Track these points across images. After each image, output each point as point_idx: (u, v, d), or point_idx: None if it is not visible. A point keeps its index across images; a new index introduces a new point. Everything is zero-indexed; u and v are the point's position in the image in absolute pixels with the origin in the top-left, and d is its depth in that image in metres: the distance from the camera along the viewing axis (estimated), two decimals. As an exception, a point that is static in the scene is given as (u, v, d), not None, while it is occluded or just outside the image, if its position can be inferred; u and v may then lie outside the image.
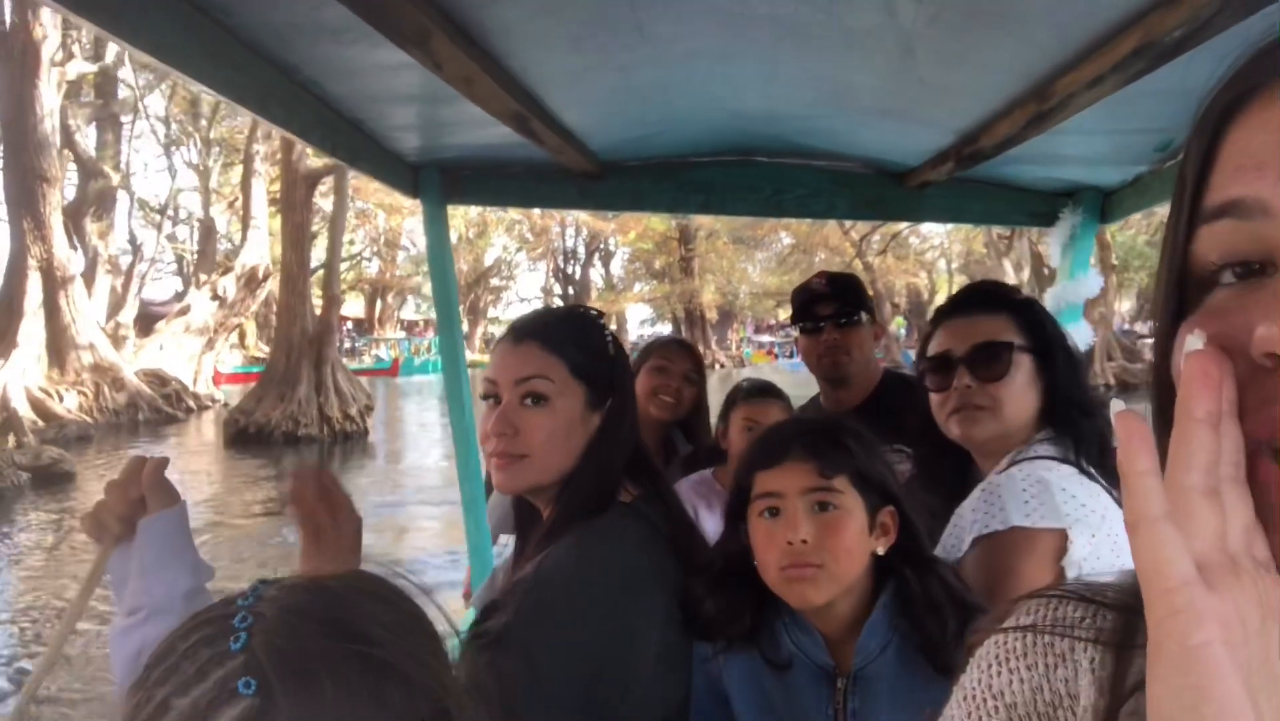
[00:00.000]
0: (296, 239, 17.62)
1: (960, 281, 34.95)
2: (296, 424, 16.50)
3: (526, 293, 57.14)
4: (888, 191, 2.32)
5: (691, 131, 2.11)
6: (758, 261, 49.26)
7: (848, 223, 33.22)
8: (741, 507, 1.22)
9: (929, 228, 36.78)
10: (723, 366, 42.63)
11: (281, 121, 1.61)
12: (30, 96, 18.05)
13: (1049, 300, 2.32)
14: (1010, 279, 23.16)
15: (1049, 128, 1.50)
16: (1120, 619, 0.49)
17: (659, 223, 40.62)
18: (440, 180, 2.32)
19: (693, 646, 1.25)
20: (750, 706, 1.22)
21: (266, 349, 35.68)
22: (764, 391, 2.17)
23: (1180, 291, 0.42)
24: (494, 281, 50.42)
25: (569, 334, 1.27)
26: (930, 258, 45.98)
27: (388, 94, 1.72)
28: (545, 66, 1.54)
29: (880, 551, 1.17)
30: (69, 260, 19.07)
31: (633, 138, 2.13)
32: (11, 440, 13.10)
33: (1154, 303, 0.45)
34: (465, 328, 44.03)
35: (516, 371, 1.24)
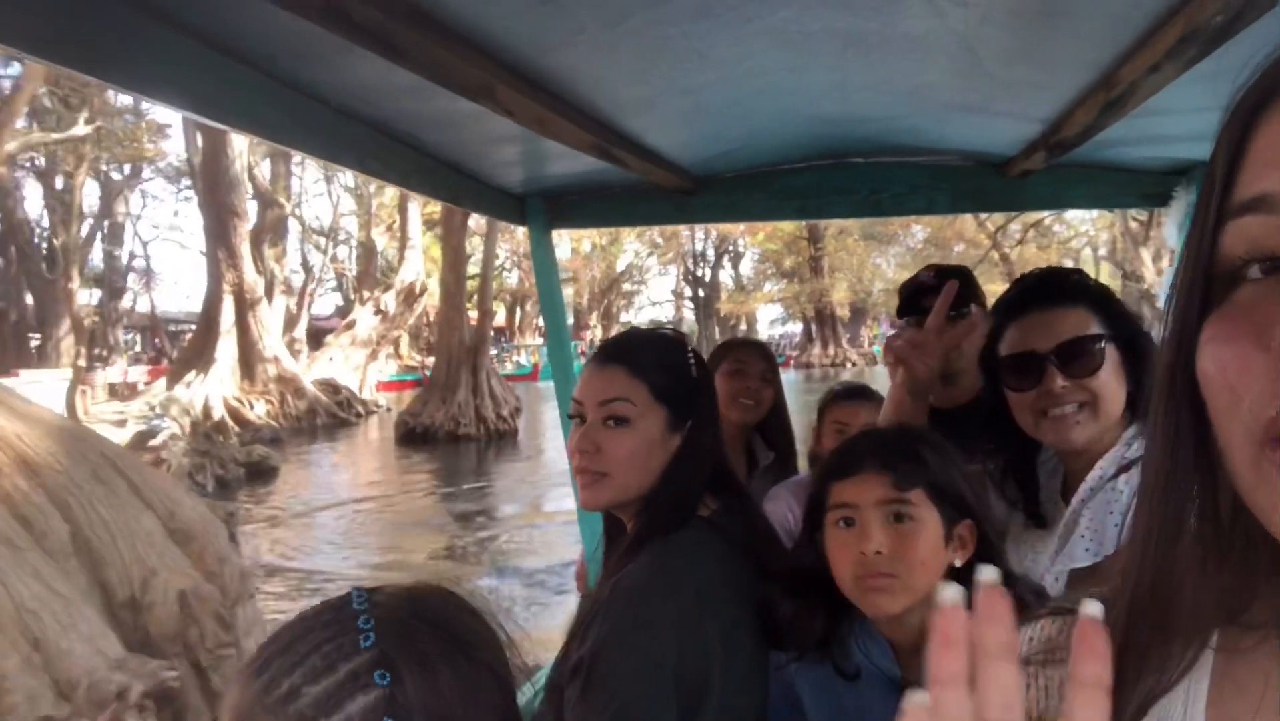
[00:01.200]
0: (455, 260, 19.50)
1: (1108, 269, 33.77)
2: (457, 424, 18.32)
3: (657, 296, 58.45)
4: (989, 182, 2.31)
5: (779, 141, 2.15)
6: (891, 257, 48.77)
7: (983, 214, 32.74)
8: (818, 517, 1.22)
9: (1074, 214, 35.63)
10: (854, 365, 42.57)
11: (379, 173, 1.73)
12: (223, 141, 20.71)
13: (1167, 281, 2.40)
14: (1148, 268, 22.52)
15: (1125, 114, 1.49)
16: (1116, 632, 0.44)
17: (788, 223, 41.08)
18: (544, 207, 2.43)
19: (769, 655, 1.27)
20: (822, 714, 1.25)
21: (418, 358, 38.59)
22: (855, 393, 2.18)
23: (1206, 287, 0.42)
24: (626, 286, 51.92)
25: (653, 357, 1.32)
26: (1076, 245, 44.32)
27: (480, 137, 1.79)
28: (615, 99, 1.61)
29: (958, 564, 1.17)
30: (256, 284, 21.70)
31: (720, 152, 2.18)
32: (223, 441, 15.37)
33: (1174, 299, 0.44)
34: (599, 332, 45.69)
35: (601, 393, 1.29)
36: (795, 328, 55.58)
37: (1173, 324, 0.43)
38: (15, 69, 14.10)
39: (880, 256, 47.88)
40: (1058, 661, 0.49)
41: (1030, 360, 1.39)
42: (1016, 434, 1.46)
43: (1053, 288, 1.46)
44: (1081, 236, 45.12)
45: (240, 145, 21.43)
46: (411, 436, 18.17)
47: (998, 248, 34.16)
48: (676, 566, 1.20)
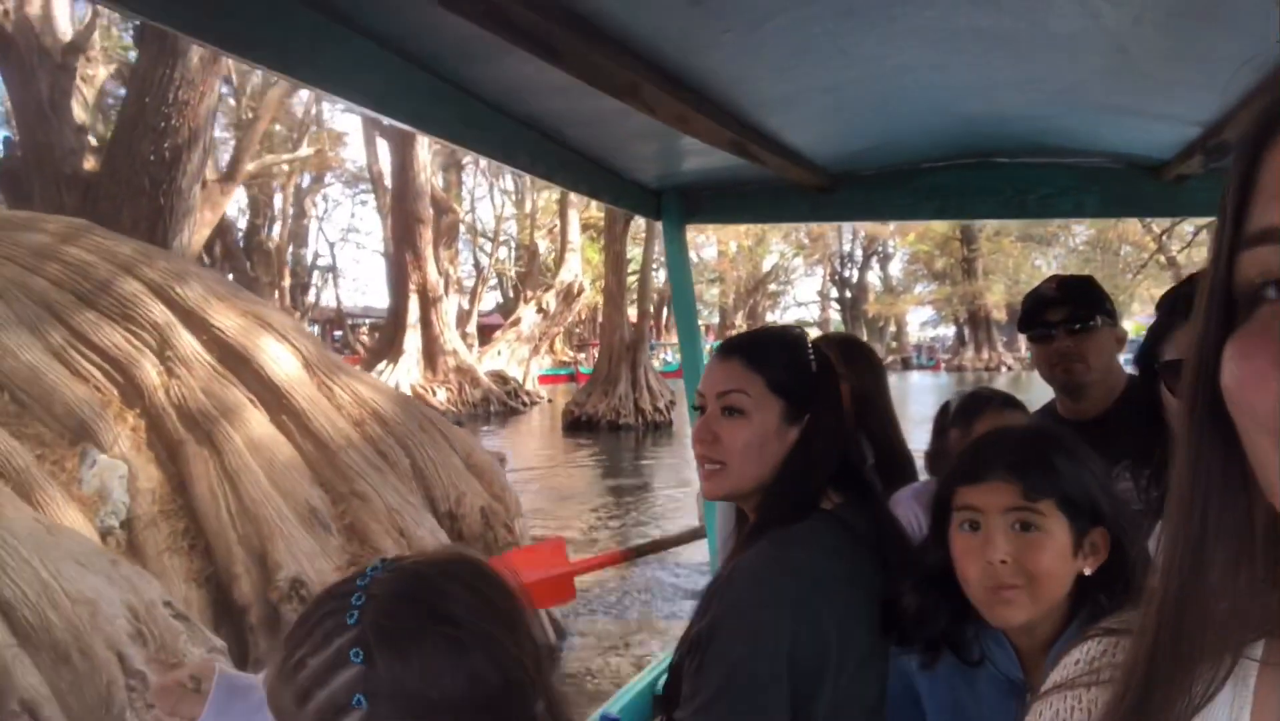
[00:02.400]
0: (616, 264, 21.54)
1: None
2: (617, 414, 20.31)
3: (804, 297, 59.07)
4: (1142, 186, 2.26)
5: (920, 138, 2.15)
6: (1052, 258, 47.73)
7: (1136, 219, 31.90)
8: (944, 516, 1.22)
9: None
10: (1009, 369, 42.06)
11: (526, 166, 1.82)
12: (410, 155, 23.53)
13: None
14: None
15: None
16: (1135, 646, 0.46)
17: (940, 224, 41.10)
18: (680, 202, 2.49)
19: (890, 648, 1.29)
20: (941, 711, 1.27)
21: (570, 354, 41.20)
22: (1011, 403, 2.11)
23: (1227, 306, 0.42)
24: (771, 287, 52.93)
25: (770, 351, 1.36)
26: (1264, 247, 41.98)
27: (621, 133, 1.86)
28: (755, 96, 1.64)
29: (1088, 571, 1.15)
30: (438, 283, 24.47)
31: (858, 150, 2.19)
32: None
33: (1197, 319, 0.44)
34: (745, 333, 46.85)
35: (719, 385, 1.34)
36: (948, 330, 55.00)
37: (1196, 343, 0.44)
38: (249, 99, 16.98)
39: (1041, 258, 46.98)
40: (1102, 682, 0.50)
41: None
42: (1164, 440, 1.39)
43: None
44: (1269, 237, 42.56)
45: (424, 158, 24.26)
46: (577, 424, 20.32)
47: (1163, 251, 33.23)
48: (794, 553, 1.23)
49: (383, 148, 26.48)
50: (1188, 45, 1.36)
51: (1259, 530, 0.43)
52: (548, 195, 35.35)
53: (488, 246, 40.45)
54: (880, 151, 2.22)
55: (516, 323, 29.55)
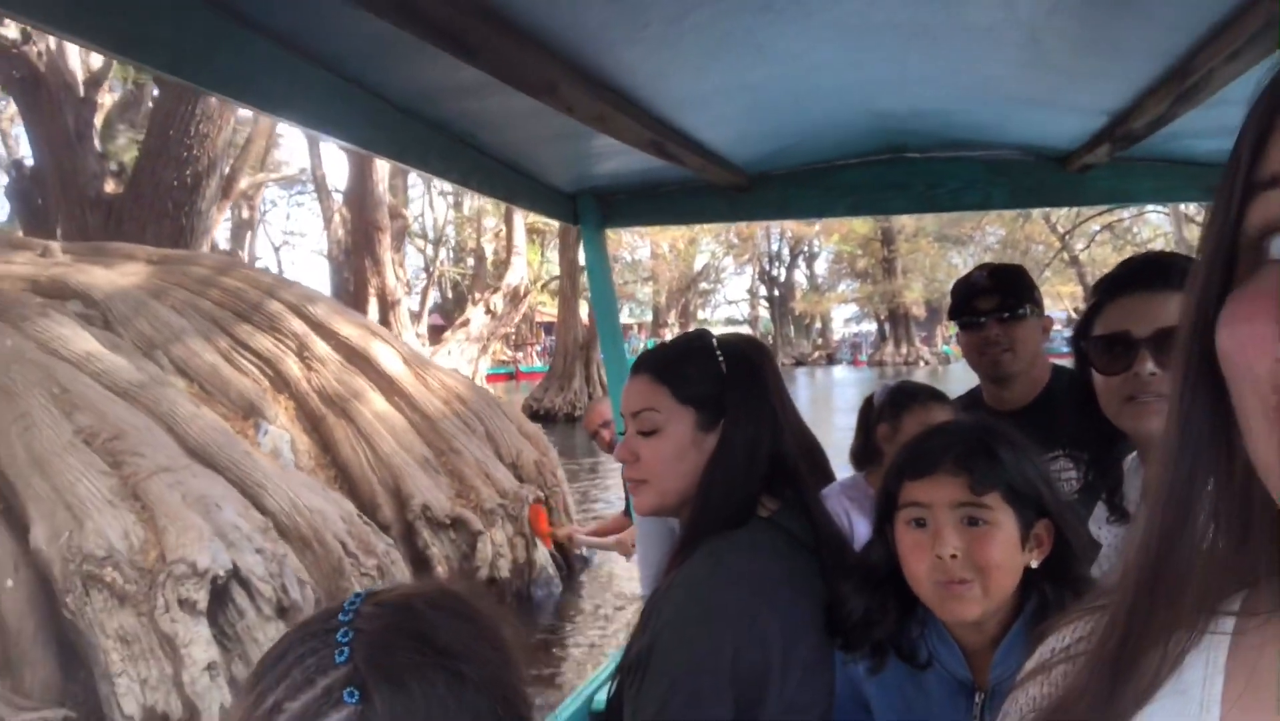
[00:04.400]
0: (570, 269, 24.27)
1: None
2: (573, 408, 23.06)
3: (734, 295, 62.45)
4: (1049, 177, 2.33)
5: (835, 136, 2.19)
6: (968, 257, 51.91)
7: (1053, 215, 35.66)
8: (889, 513, 1.23)
9: (1157, 217, 37.59)
10: (926, 364, 46.03)
11: (440, 172, 1.90)
12: (369, 167, 25.78)
13: None
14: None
15: (1197, 104, 1.47)
16: (1114, 619, 0.48)
17: (861, 224, 44.78)
18: (596, 206, 2.56)
19: (834, 653, 1.29)
20: (890, 714, 1.26)
21: (510, 353, 43.63)
22: (937, 396, 2.09)
23: (1229, 262, 0.43)
24: (703, 286, 56.00)
25: (675, 362, 1.40)
26: (1160, 246, 46.75)
27: (535, 136, 1.91)
28: (674, 95, 1.69)
29: (1034, 564, 1.17)
30: (396, 287, 26.77)
31: (775, 149, 2.25)
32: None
33: (1195, 274, 0.45)
34: (677, 330, 49.83)
35: (632, 404, 1.39)
36: (870, 326, 59.12)
37: (1194, 298, 0.45)
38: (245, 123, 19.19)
39: (957, 256, 51.14)
40: (1074, 657, 0.52)
41: (1123, 342, 1.36)
42: (1098, 424, 1.42)
43: (1158, 271, 1.39)
44: (1161, 237, 47.66)
45: (383, 170, 26.50)
46: (535, 417, 23.01)
47: (1067, 249, 37.34)
48: (732, 561, 1.26)
49: (331, 153, 28.59)
50: (1099, 34, 1.37)
51: (1239, 482, 0.44)
52: (485, 199, 37.72)
53: (425, 247, 42.61)
54: (796, 150, 2.27)
55: (466, 324, 31.94)
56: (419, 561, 7.37)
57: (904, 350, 48.35)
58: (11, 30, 14.17)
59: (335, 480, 7.83)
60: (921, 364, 45.90)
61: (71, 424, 5.67)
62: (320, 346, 8.37)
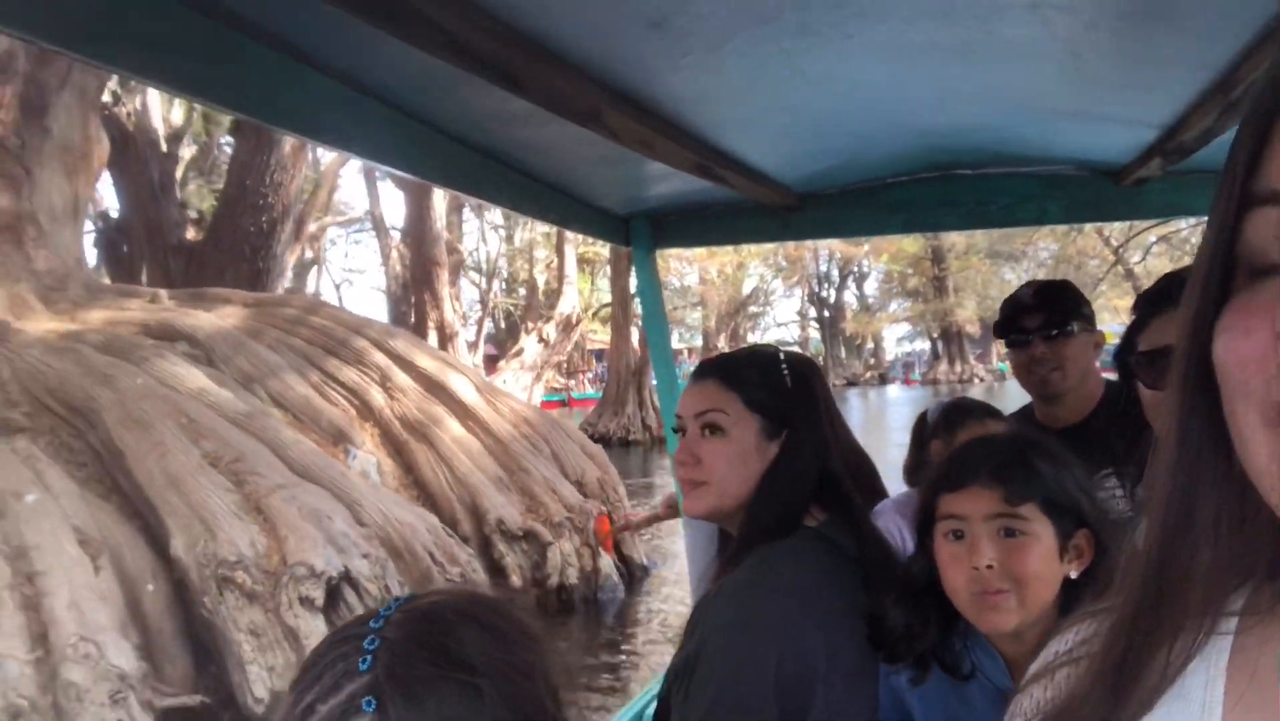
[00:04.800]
0: (622, 297, 25.15)
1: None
2: (627, 432, 23.82)
3: (783, 317, 62.82)
4: (1103, 191, 2.32)
5: (883, 155, 2.21)
6: (1021, 273, 51.70)
7: (1106, 228, 35.60)
8: (928, 526, 1.25)
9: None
10: (981, 381, 45.89)
11: (492, 197, 1.95)
12: (427, 205, 27.02)
13: None
14: None
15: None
16: (1119, 623, 0.48)
17: (910, 243, 45.05)
18: (648, 228, 2.61)
19: (879, 665, 1.30)
20: None
21: (562, 380, 44.60)
22: (990, 413, 2.07)
23: (1225, 275, 0.43)
24: (752, 309, 56.46)
25: (745, 370, 1.44)
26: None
27: (586, 160, 1.95)
28: (717, 118, 1.73)
29: (1074, 575, 1.17)
30: (454, 320, 27.90)
31: (823, 169, 2.26)
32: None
33: (1192, 285, 0.45)
34: (729, 355, 50.43)
35: (696, 406, 1.41)
36: (923, 345, 59.06)
37: (1191, 308, 0.45)
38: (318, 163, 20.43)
39: (1010, 272, 51.01)
40: (1077, 659, 0.52)
41: (1167, 357, 1.31)
42: (1147, 440, 1.23)
43: None
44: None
45: (440, 208, 27.72)
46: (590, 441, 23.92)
47: (1122, 263, 37.19)
48: (779, 571, 1.28)
49: (388, 194, 29.85)
50: (1141, 48, 1.37)
51: (1237, 489, 0.44)
52: (535, 230, 38.91)
53: (479, 280, 43.92)
54: (845, 169, 2.30)
55: (519, 353, 32.99)
56: (495, 570, 8.14)
57: (958, 368, 48.32)
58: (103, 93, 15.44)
59: (418, 498, 8.65)
60: (976, 381, 45.82)
61: (199, 449, 6.57)
62: (401, 377, 9.25)
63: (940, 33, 1.34)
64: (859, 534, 1.38)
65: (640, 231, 2.63)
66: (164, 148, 17.05)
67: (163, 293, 10.06)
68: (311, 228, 21.49)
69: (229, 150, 22.48)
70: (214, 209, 17.43)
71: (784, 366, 1.46)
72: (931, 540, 1.25)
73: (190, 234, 17.14)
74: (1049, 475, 1.19)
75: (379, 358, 9.31)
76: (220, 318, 9.31)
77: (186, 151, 19.40)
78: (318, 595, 5.81)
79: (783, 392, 1.43)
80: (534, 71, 1.27)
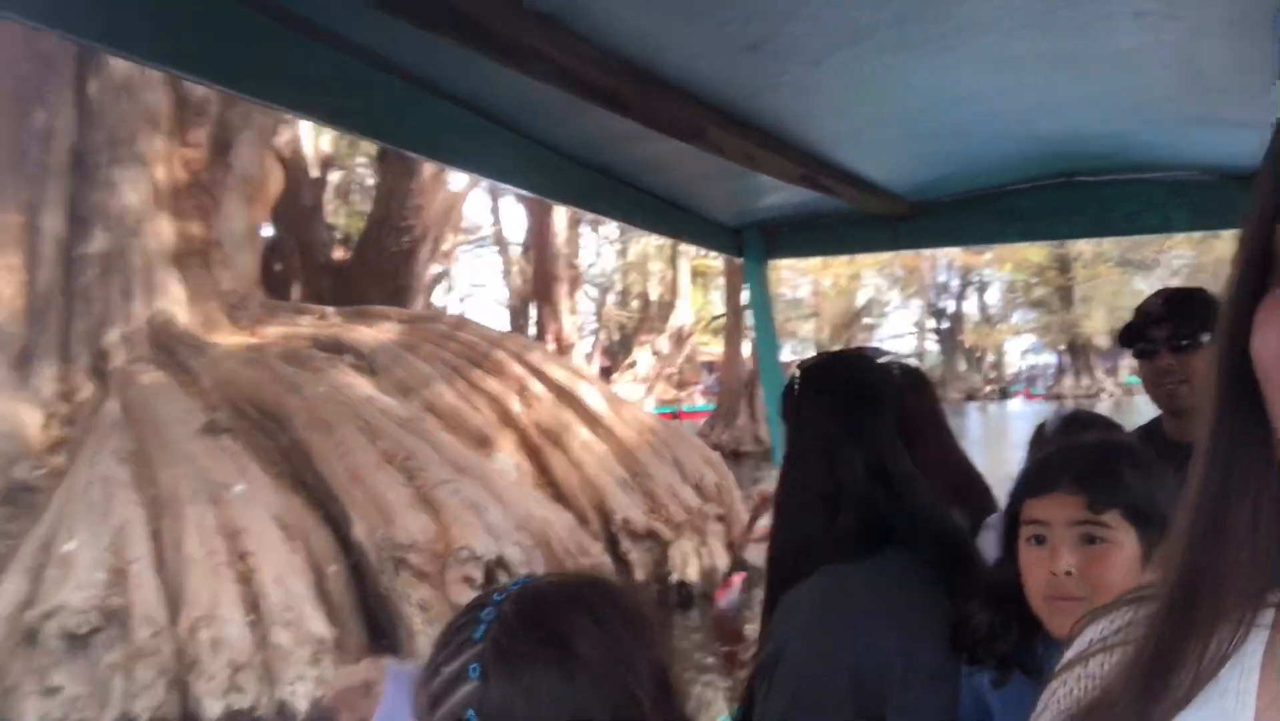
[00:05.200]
0: (736, 309, 25.86)
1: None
2: (738, 444, 24.47)
3: (899, 329, 61.99)
4: (1231, 196, 2.22)
5: (999, 162, 2.18)
6: (1155, 282, 49.69)
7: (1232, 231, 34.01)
8: (1013, 531, 1.25)
9: None
10: (1110, 395, 44.46)
11: (604, 211, 2.06)
12: (548, 222, 28.36)
13: None
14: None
15: None
16: (1160, 609, 0.48)
17: (1035, 252, 44.08)
18: (760, 238, 2.66)
19: (960, 667, 1.31)
20: None
21: (674, 392, 45.54)
22: (1110, 426, 1.96)
23: (1263, 266, 0.44)
24: (867, 320, 55.91)
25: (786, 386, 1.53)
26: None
27: (698, 174, 2.00)
28: (821, 131, 1.76)
29: None
30: (572, 332, 29.13)
31: (936, 177, 2.27)
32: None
33: (1230, 280, 0.46)
34: (842, 367, 50.18)
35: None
36: (1049, 358, 57.39)
37: (1229, 303, 0.46)
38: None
39: (1143, 282, 49.15)
40: (1112, 647, 0.53)
41: None
42: None
43: None
44: (1380, 253, 44.03)
45: (559, 224, 29.05)
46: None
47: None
48: (858, 574, 1.31)
49: (508, 211, 31.44)
50: (1252, 51, 1.33)
51: (1276, 481, 0.44)
52: (649, 244, 39.96)
53: (594, 293, 45.29)
54: (957, 177, 2.29)
55: (632, 365, 34.04)
56: (622, 564, 8.99)
57: (1084, 382, 46.94)
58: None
59: (552, 498, 9.60)
60: (1103, 396, 44.41)
61: (375, 448, 7.66)
62: (537, 387, 10.24)
63: (1045, 43, 1.35)
64: (938, 537, 1.39)
65: (752, 242, 2.68)
66: (313, 174, 18.73)
67: (329, 310, 11.35)
68: (445, 246, 23.00)
69: (364, 174, 24.29)
70: (360, 231, 19.05)
71: (796, 372, 1.53)
72: (1015, 544, 1.25)
73: (338, 254, 18.77)
74: (1135, 483, 1.18)
75: (517, 369, 10.34)
76: (380, 332, 10.51)
77: (332, 177, 21.16)
78: (477, 575, 6.77)
79: (791, 399, 1.51)
80: (639, 95, 1.36)
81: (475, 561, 6.79)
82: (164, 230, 10.06)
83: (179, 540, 6.78)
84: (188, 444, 7.61)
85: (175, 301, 9.86)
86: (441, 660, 0.81)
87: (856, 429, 1.41)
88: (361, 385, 9.00)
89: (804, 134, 1.77)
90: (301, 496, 7.64)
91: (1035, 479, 1.25)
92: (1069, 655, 0.58)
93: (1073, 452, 1.29)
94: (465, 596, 7.41)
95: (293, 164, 18.53)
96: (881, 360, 1.59)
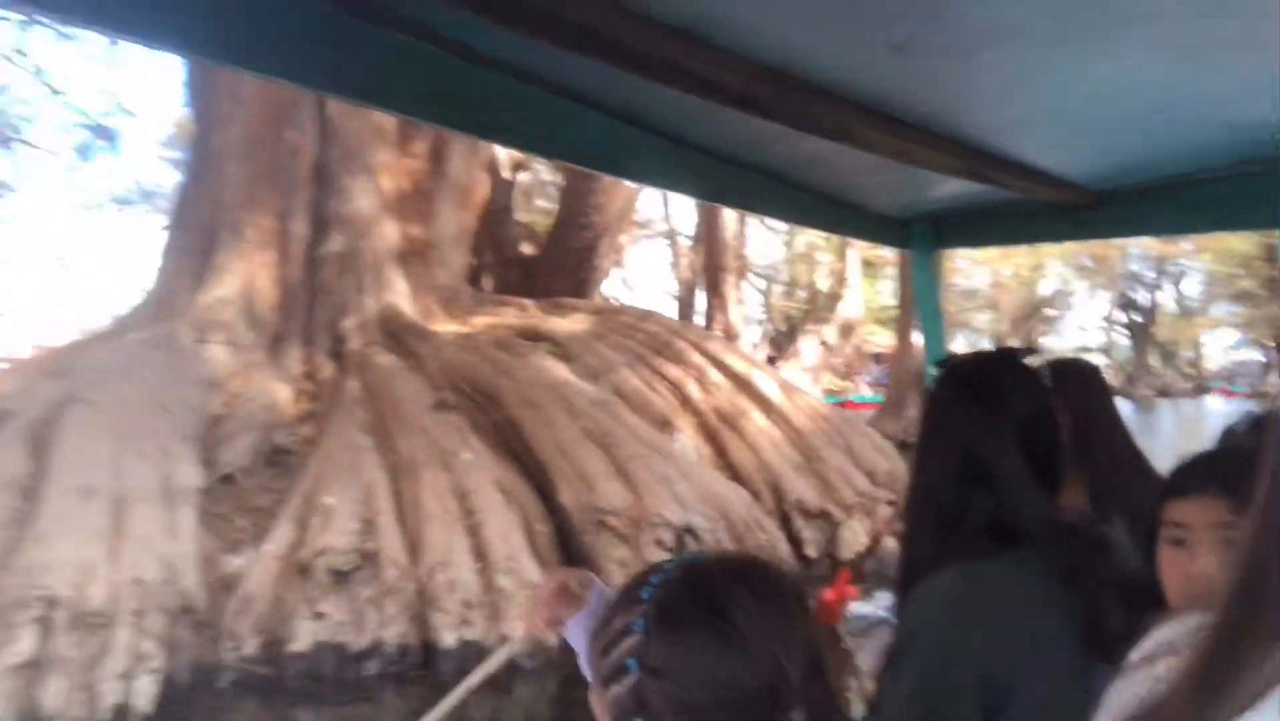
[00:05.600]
0: (907, 300, 25.91)
1: None
2: (908, 435, 24.53)
3: (1086, 321, 59.11)
4: None
5: (1188, 150, 2.11)
6: (1385, 270, 45.53)
7: None
8: (1154, 532, 1.25)
9: None
10: (1325, 395, 41.02)
11: (762, 210, 2.20)
12: (717, 217, 29.17)
13: None
14: None
15: None
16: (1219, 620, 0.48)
17: (1239, 241, 41.22)
18: (929, 230, 2.61)
19: (1092, 665, 1.29)
20: None
21: (839, 383, 45.44)
22: None
23: None
24: (1050, 312, 53.64)
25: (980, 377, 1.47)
26: None
27: (856, 169, 1.98)
28: (981, 123, 1.72)
29: None
30: (737, 323, 29.86)
31: (1118, 165, 2.20)
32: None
33: None
34: (1020, 361, 48.41)
35: None
36: (1254, 355, 53.40)
37: None
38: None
39: (1370, 271, 45.04)
40: (1178, 652, 0.54)
41: None
42: None
43: None
44: None
45: (728, 217, 29.82)
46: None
47: None
48: (990, 569, 1.31)
49: (677, 201, 32.42)
50: None
51: None
52: (815, 235, 40.04)
53: (762, 283, 45.76)
54: (1144, 165, 2.22)
55: (797, 355, 34.41)
56: (795, 541, 9.72)
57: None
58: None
59: (729, 478, 10.44)
60: (1319, 396, 40.98)
61: (576, 425, 8.73)
62: (715, 375, 11.11)
63: (1221, 30, 1.30)
64: (1064, 538, 1.37)
65: (920, 234, 2.66)
66: (506, 174, 20.31)
67: (527, 302, 12.61)
68: (624, 239, 24.26)
69: (544, 175, 25.87)
70: (546, 227, 20.50)
71: (930, 376, 1.54)
72: (1156, 544, 1.24)
73: (525, 249, 20.30)
74: None
75: (696, 357, 11.23)
76: (572, 323, 11.66)
77: (521, 177, 22.78)
78: (669, 539, 7.69)
79: (926, 400, 1.53)
80: (781, 98, 1.39)
81: (667, 527, 7.70)
82: (390, 232, 11.56)
83: (416, 498, 8.04)
84: (419, 417, 8.91)
85: (400, 294, 11.33)
86: (613, 614, 0.91)
87: (979, 430, 1.41)
88: (559, 369, 10.12)
89: (963, 127, 1.75)
90: (514, 465, 8.79)
91: (1179, 479, 1.26)
92: (1134, 655, 0.58)
93: (1220, 454, 1.30)
94: (657, 557, 8.40)
95: (489, 168, 20.19)
96: (1030, 359, 1.54)
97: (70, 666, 6.14)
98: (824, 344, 34.29)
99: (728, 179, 1.98)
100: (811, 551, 9.81)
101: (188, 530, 7.39)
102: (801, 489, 10.03)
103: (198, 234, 10.91)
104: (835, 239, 35.65)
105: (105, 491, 6.91)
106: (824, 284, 41.27)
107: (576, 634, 1.30)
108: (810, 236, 43.25)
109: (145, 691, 6.32)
